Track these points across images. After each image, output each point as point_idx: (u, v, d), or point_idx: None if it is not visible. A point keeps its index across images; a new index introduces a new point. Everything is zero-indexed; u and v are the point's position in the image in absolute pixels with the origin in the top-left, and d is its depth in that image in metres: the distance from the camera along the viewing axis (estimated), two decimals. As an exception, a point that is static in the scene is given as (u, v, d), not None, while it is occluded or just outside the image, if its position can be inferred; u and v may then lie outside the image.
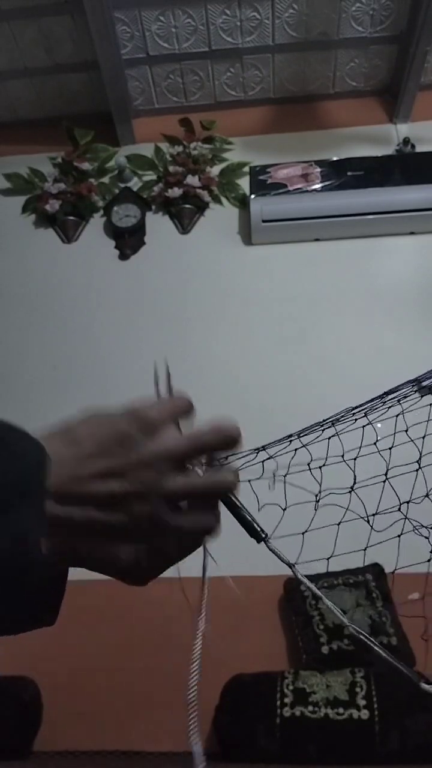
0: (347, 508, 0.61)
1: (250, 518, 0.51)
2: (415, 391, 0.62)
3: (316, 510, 0.58)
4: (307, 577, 0.52)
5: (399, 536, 0.64)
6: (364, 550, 0.63)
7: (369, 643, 0.48)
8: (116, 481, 0.43)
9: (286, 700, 1.83)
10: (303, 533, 0.58)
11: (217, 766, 1.80)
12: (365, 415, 0.61)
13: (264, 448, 0.57)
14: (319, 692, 1.83)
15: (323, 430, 0.58)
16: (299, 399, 2.39)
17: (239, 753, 1.83)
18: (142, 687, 2.14)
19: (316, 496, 0.59)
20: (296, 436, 0.58)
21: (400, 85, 2.85)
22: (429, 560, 0.60)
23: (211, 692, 1.94)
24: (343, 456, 0.62)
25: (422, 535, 0.61)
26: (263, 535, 0.51)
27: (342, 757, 1.74)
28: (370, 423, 0.61)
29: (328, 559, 0.58)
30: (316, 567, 0.58)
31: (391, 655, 0.48)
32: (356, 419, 0.59)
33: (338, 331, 2.64)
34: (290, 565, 0.52)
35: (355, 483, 0.61)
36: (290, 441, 0.58)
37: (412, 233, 2.73)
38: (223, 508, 0.50)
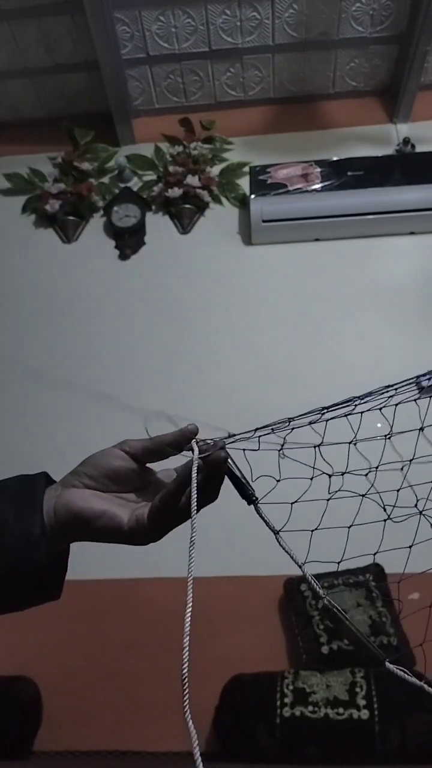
0: (331, 475, 0.61)
1: (244, 481, 0.54)
2: (417, 392, 0.63)
3: (311, 482, 0.59)
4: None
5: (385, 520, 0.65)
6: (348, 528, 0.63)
7: (340, 615, 0.50)
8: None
9: (286, 700, 1.83)
10: (291, 503, 0.60)
11: (217, 766, 1.80)
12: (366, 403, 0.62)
13: (266, 426, 0.59)
14: (319, 692, 1.83)
15: (322, 414, 0.60)
16: (299, 398, 2.38)
17: (239, 753, 1.83)
18: (143, 687, 2.15)
19: (312, 473, 0.60)
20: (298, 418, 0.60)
21: (400, 85, 2.85)
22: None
23: (211, 692, 1.94)
24: (350, 443, 0.63)
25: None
26: (254, 498, 0.54)
27: (342, 757, 1.74)
28: (376, 408, 0.62)
29: (312, 531, 0.59)
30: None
31: (359, 631, 0.50)
32: (356, 405, 0.61)
33: (338, 330, 2.64)
34: (275, 533, 0.53)
35: (348, 468, 0.62)
36: (290, 421, 0.60)
37: (412, 233, 2.73)
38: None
